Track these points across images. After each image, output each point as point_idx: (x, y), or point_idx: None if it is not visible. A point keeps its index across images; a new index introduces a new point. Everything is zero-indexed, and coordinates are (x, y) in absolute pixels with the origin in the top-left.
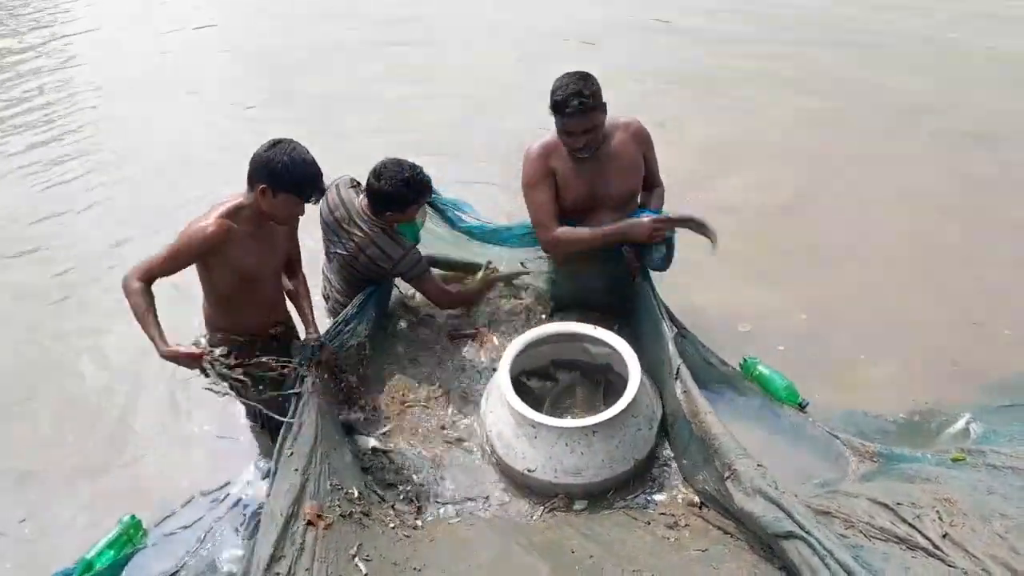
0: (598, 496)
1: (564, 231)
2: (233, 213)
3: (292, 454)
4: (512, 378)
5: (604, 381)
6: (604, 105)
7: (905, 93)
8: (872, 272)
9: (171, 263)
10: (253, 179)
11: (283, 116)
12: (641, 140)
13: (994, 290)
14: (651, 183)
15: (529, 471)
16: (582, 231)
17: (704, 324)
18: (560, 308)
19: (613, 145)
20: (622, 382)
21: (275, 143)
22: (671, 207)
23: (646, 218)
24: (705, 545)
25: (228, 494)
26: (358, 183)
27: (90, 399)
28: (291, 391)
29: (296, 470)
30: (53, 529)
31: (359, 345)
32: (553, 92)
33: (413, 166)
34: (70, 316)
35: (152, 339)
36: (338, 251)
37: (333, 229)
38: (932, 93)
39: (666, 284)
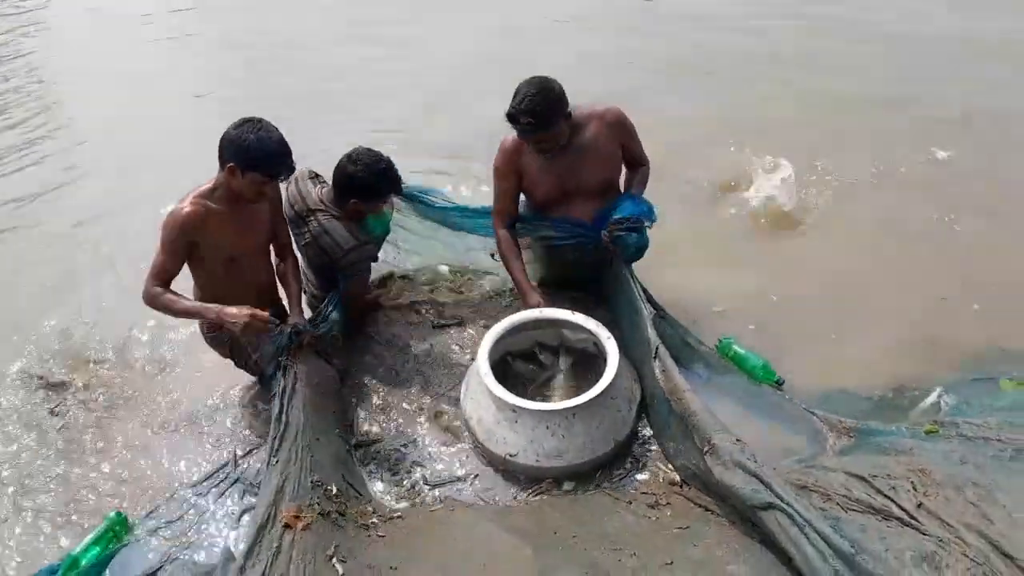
0: (581, 477)
1: (503, 238)
2: (208, 194)
3: (277, 462)
4: (496, 360)
5: (585, 364)
6: (564, 115)
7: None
8: (841, 252)
9: (168, 257)
10: (222, 157)
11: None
12: (618, 128)
13: (959, 267)
14: (635, 164)
15: (511, 456)
16: (508, 257)
17: (679, 305)
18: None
19: (587, 136)
20: (603, 364)
21: (244, 121)
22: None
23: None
24: (686, 523)
25: (212, 487)
26: (316, 175)
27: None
28: (273, 376)
29: (276, 466)
30: (37, 526)
31: (333, 338)
32: (512, 100)
33: (389, 160)
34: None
35: (205, 314)
36: (301, 243)
37: (295, 223)
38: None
39: (641, 265)
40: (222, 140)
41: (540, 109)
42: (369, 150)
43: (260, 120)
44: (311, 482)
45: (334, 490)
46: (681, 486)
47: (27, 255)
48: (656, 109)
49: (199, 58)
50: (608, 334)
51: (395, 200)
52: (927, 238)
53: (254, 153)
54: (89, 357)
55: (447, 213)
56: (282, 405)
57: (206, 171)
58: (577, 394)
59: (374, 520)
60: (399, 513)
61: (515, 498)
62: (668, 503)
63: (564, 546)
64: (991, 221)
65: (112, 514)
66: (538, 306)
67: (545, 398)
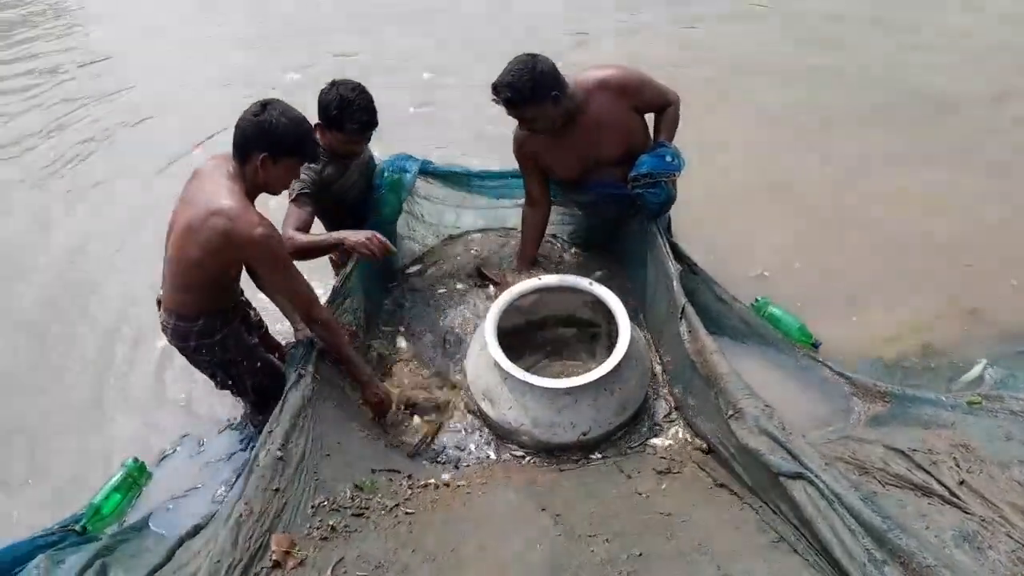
0: (590, 447)
1: (523, 215)
2: (251, 202)
3: (277, 490)
4: (512, 328)
5: (602, 332)
6: (549, 97)
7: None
8: (878, 223)
9: (298, 271)
10: (248, 149)
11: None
12: (625, 93)
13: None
14: (659, 107)
15: (520, 427)
16: (522, 233)
17: (718, 265)
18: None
19: (596, 109)
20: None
21: (263, 106)
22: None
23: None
24: (685, 500)
25: (226, 427)
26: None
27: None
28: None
29: (276, 490)
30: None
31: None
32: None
33: (363, 89)
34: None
35: (366, 385)
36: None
37: None
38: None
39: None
40: (244, 131)
41: (519, 85)
42: (351, 81)
43: (278, 101)
44: (312, 507)
45: (348, 493)
46: (708, 452)
47: None
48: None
49: None
50: (620, 306)
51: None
52: (965, 212)
53: (289, 137)
54: None
55: (470, 180)
56: (288, 431)
57: None
58: (591, 361)
59: (408, 494)
60: (432, 481)
61: (519, 468)
62: (679, 472)
63: (540, 524)
64: None
65: (129, 461)
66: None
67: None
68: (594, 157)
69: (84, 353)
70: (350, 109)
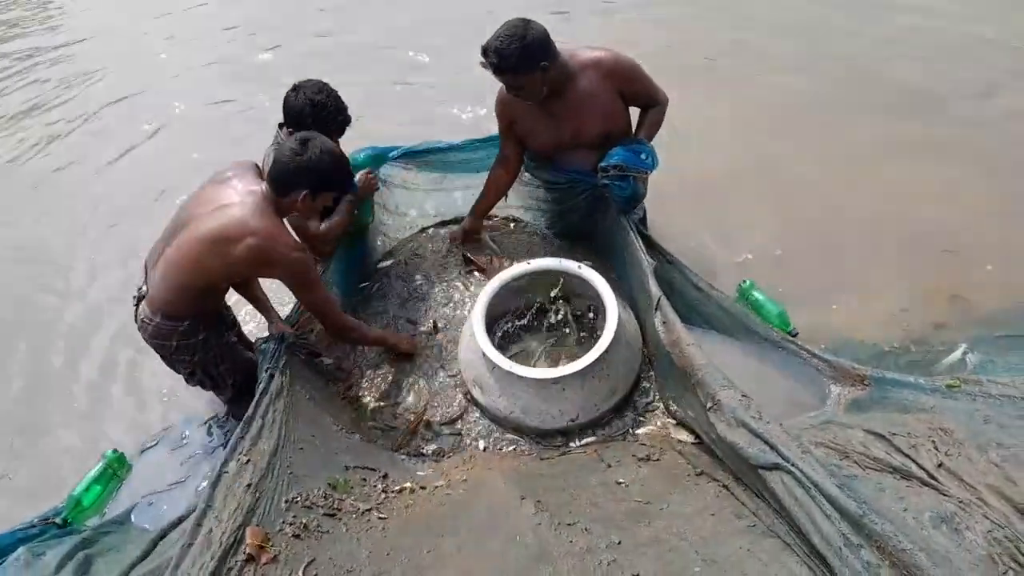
0: (574, 433)
1: (489, 173)
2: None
3: (250, 485)
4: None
5: (594, 314)
6: (538, 66)
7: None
8: (859, 211)
9: (323, 287)
10: (290, 186)
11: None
12: (615, 76)
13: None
14: (645, 104)
15: (510, 414)
16: (483, 190)
17: (700, 252)
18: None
19: (583, 86)
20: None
21: (304, 143)
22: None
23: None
24: (663, 489)
25: (207, 420)
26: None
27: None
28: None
29: (249, 485)
30: (34, 471)
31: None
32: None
33: (330, 89)
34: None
35: (396, 345)
36: None
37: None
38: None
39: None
40: (287, 170)
41: (506, 52)
42: (317, 81)
43: (314, 135)
44: (286, 502)
45: (320, 491)
46: (683, 440)
47: None
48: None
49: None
50: (609, 290)
51: (381, 174)
52: (945, 200)
53: (333, 174)
54: None
55: (446, 156)
56: (260, 426)
57: None
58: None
59: (381, 498)
60: (408, 484)
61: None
62: (660, 459)
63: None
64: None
65: (109, 452)
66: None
67: (547, 353)
68: (571, 133)
69: (62, 342)
70: (324, 113)
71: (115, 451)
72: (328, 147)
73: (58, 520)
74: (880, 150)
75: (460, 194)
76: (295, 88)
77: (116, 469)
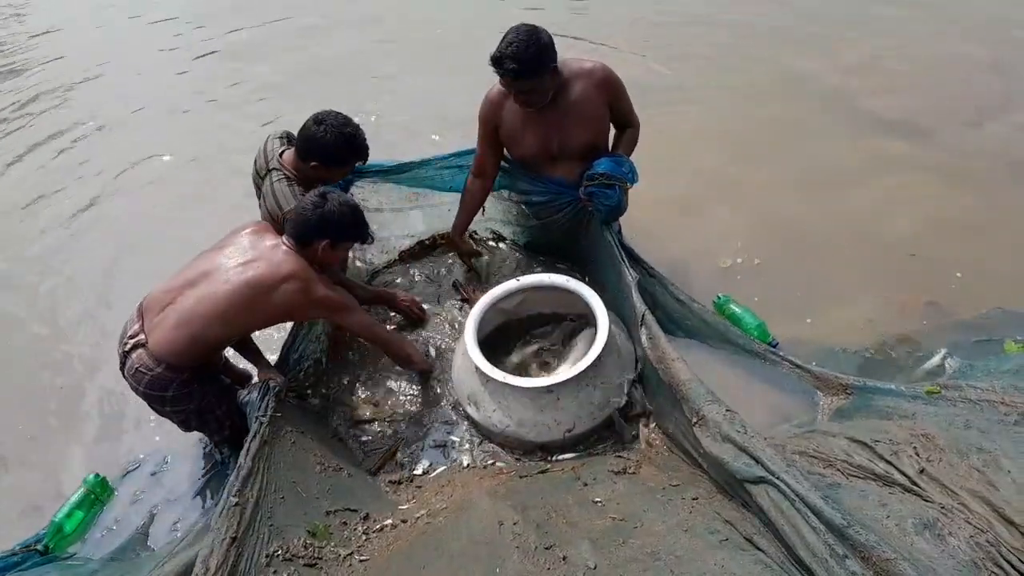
0: (559, 449)
1: (468, 185)
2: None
3: (234, 539)
4: (497, 326)
5: (582, 327)
6: (549, 69)
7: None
8: (836, 222)
9: (359, 308)
10: (311, 237)
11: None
12: (606, 88)
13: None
14: (622, 124)
15: (505, 429)
16: (461, 204)
17: (678, 264)
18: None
19: (573, 95)
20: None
21: (323, 196)
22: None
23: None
24: (629, 511)
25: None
26: (290, 137)
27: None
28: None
29: (234, 539)
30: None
31: (315, 362)
32: (499, 44)
33: (356, 125)
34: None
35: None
36: (261, 209)
37: (256, 183)
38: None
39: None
40: (306, 222)
41: (526, 55)
42: (339, 113)
43: (332, 190)
44: (266, 555)
45: (302, 540)
46: (661, 452)
47: None
48: None
49: None
50: (600, 302)
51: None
52: (918, 210)
53: (352, 226)
54: None
55: (424, 171)
56: (244, 479)
57: None
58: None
59: (362, 540)
60: (389, 521)
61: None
62: (636, 472)
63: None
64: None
65: (90, 477)
66: (467, 254)
67: (542, 365)
68: (558, 142)
69: (45, 365)
70: (354, 145)
71: (97, 475)
72: (345, 199)
73: (39, 547)
74: (856, 164)
75: (436, 210)
76: (318, 121)
77: (99, 494)
